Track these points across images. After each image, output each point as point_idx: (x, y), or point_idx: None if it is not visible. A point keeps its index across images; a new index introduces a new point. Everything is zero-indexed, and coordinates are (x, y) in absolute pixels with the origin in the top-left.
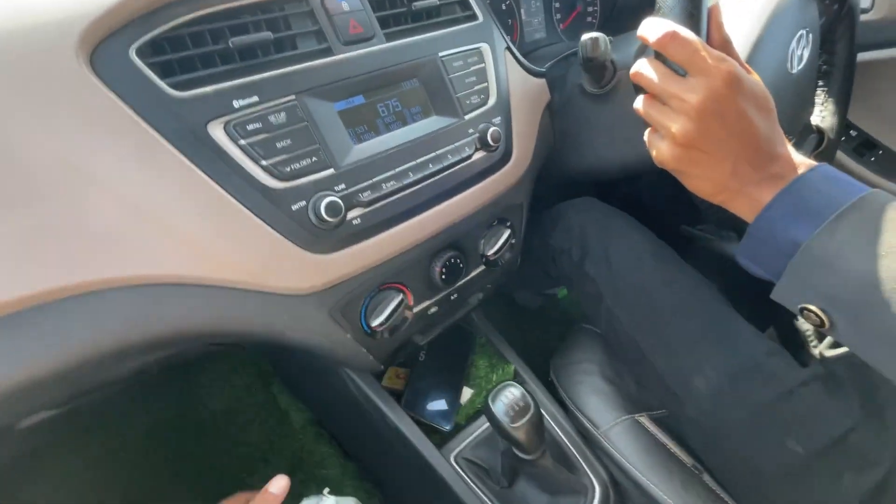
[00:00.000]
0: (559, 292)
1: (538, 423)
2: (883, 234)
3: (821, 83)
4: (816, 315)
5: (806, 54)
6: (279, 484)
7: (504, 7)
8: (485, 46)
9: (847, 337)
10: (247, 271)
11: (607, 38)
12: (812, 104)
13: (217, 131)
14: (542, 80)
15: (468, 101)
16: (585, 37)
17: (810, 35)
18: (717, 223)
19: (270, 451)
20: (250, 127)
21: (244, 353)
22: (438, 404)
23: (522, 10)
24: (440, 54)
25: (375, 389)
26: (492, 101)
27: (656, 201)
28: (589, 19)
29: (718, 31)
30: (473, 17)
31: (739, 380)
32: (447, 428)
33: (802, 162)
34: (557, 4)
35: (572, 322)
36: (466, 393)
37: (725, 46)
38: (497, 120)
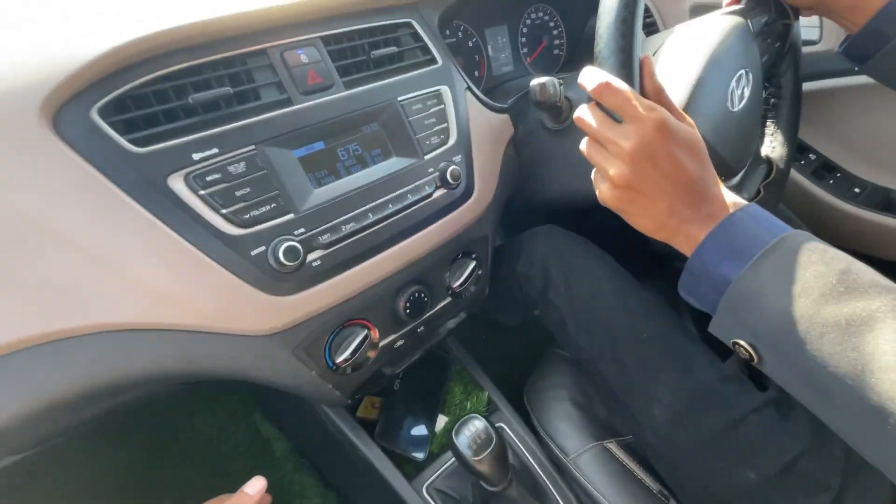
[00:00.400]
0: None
1: (501, 456)
2: (798, 272)
3: (770, 115)
4: (746, 350)
5: (747, 92)
6: (256, 485)
7: (471, 44)
8: (444, 88)
9: (774, 371)
10: (208, 315)
11: (556, 81)
12: (758, 137)
13: (177, 183)
14: (506, 116)
15: (428, 142)
16: (534, 82)
17: (750, 74)
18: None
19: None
20: (210, 178)
21: (227, 384)
22: (412, 433)
23: (489, 46)
24: (399, 99)
25: (347, 421)
26: (452, 140)
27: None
28: (556, 52)
29: (651, 81)
30: (433, 61)
31: (694, 407)
32: (421, 457)
33: (734, 202)
34: (524, 39)
35: (552, 340)
36: (441, 421)
37: (658, 94)
38: (457, 158)
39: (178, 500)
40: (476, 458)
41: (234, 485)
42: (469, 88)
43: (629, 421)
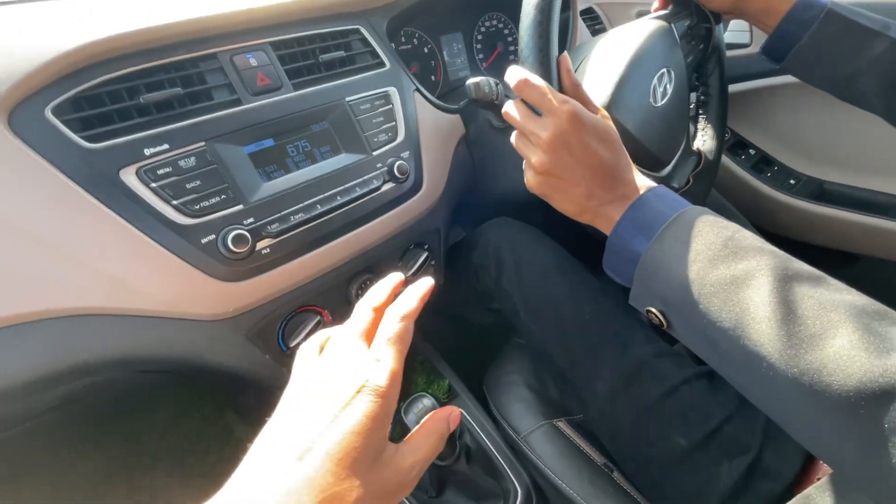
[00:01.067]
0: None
1: None
2: (691, 242)
3: (700, 112)
4: (657, 316)
5: (669, 89)
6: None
7: (426, 50)
8: (392, 90)
9: (680, 333)
10: (161, 300)
11: (492, 81)
12: (685, 131)
13: (129, 176)
14: (457, 116)
15: (376, 139)
16: (469, 81)
17: (672, 73)
18: None
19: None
20: (160, 171)
21: (199, 386)
22: None
23: (445, 52)
24: (347, 99)
25: None
26: (400, 137)
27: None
28: (511, 57)
29: (568, 77)
30: (381, 64)
31: (631, 381)
32: None
33: (644, 185)
34: (479, 45)
35: (515, 331)
36: None
37: (575, 90)
38: (405, 154)
39: (151, 502)
40: None
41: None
42: (418, 90)
43: (576, 399)
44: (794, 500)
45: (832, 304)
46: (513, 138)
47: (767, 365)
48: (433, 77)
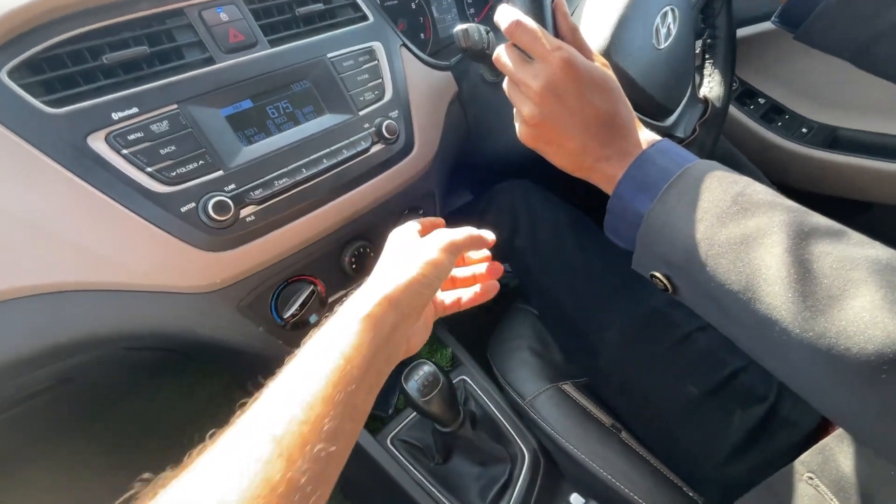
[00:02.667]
0: (510, 282)
1: (449, 396)
2: (699, 200)
3: (707, 56)
4: (662, 281)
5: (673, 30)
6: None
7: (414, 6)
8: (377, 45)
9: (687, 299)
10: (143, 273)
11: (482, 28)
12: (691, 76)
13: (98, 143)
14: (448, 73)
15: (362, 98)
16: (457, 28)
17: (676, 11)
18: None
19: None
20: (131, 137)
21: (207, 367)
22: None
23: (434, 7)
24: (329, 55)
25: None
26: (388, 95)
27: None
28: None
29: (564, 20)
30: (364, 17)
31: (642, 328)
32: (387, 413)
33: (647, 139)
34: (470, 0)
35: (517, 297)
36: None
37: (572, 34)
38: (394, 113)
39: None
40: (424, 399)
41: None
42: (405, 45)
43: (585, 354)
44: (810, 450)
45: (853, 261)
46: (505, 85)
47: (780, 329)
48: (422, 35)
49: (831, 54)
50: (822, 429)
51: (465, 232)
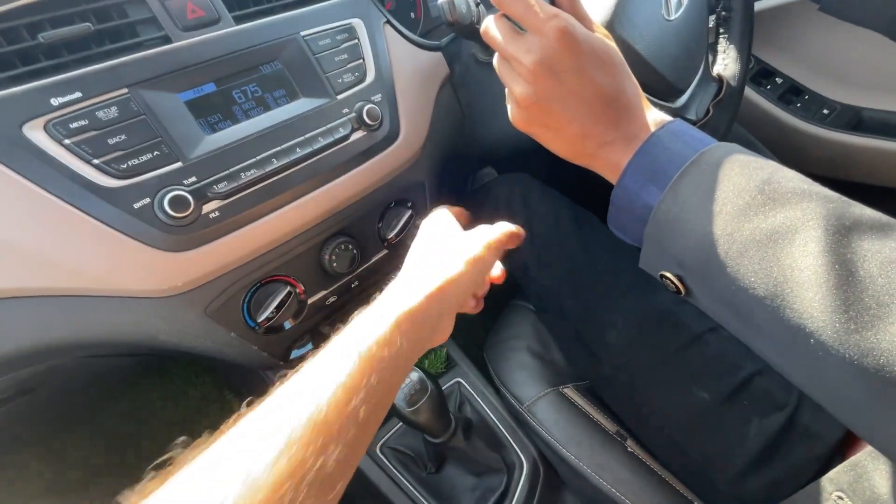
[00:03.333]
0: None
1: (439, 404)
2: (717, 190)
3: (721, 30)
4: (672, 282)
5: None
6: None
7: None
8: (357, 22)
9: (702, 303)
10: (93, 277)
11: (471, 0)
12: (704, 51)
13: (35, 132)
14: (438, 54)
15: (340, 80)
16: (442, 0)
17: None
18: None
19: None
20: (74, 125)
21: (198, 365)
22: None
23: None
24: (303, 34)
25: None
26: (370, 78)
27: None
28: None
29: None
30: None
31: (647, 329)
32: None
33: (655, 120)
34: None
35: (515, 294)
36: None
37: (572, 4)
38: (377, 98)
39: None
40: (411, 409)
41: None
42: (389, 22)
43: (587, 357)
44: (839, 466)
45: None
46: (495, 62)
47: (817, 342)
48: (412, 14)
49: (861, 25)
50: (848, 441)
51: (505, 228)
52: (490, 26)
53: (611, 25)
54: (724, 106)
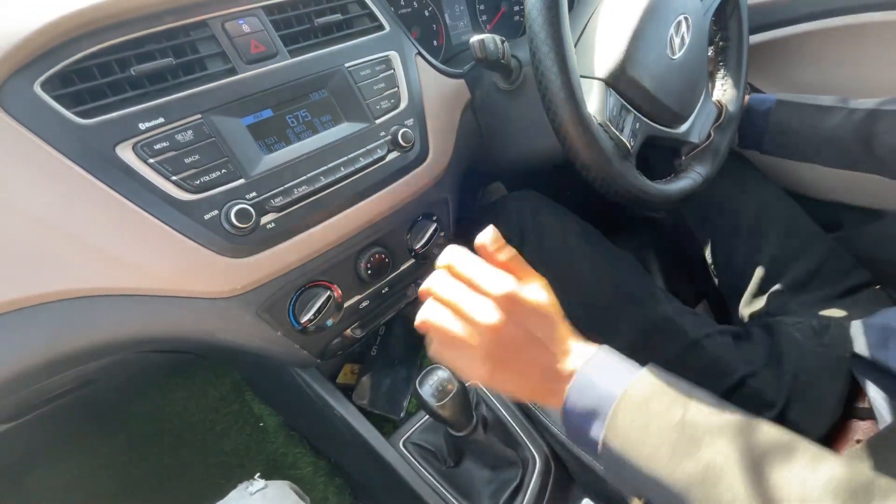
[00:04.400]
0: None
1: (463, 401)
2: (646, 432)
3: (720, 60)
4: None
5: (687, 39)
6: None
7: (427, 13)
8: (393, 54)
9: None
10: (166, 279)
11: (497, 38)
12: (705, 82)
13: (126, 152)
14: (461, 81)
15: (378, 107)
16: (473, 39)
17: (690, 20)
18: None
19: (247, 456)
20: (157, 146)
21: (218, 367)
22: (389, 395)
23: (447, 15)
24: (347, 65)
25: (324, 385)
26: (403, 104)
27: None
28: (516, 18)
29: (496, 244)
30: (380, 27)
31: (651, 336)
32: (399, 416)
33: (583, 356)
34: (482, 7)
35: None
36: None
37: (510, 261)
38: (410, 122)
39: (175, 481)
40: (439, 405)
41: (230, 462)
42: (420, 54)
43: None
44: None
45: (813, 486)
46: (435, 317)
47: None
48: (435, 42)
49: (798, 160)
50: (830, 437)
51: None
52: (432, 283)
53: (622, 68)
54: (724, 129)
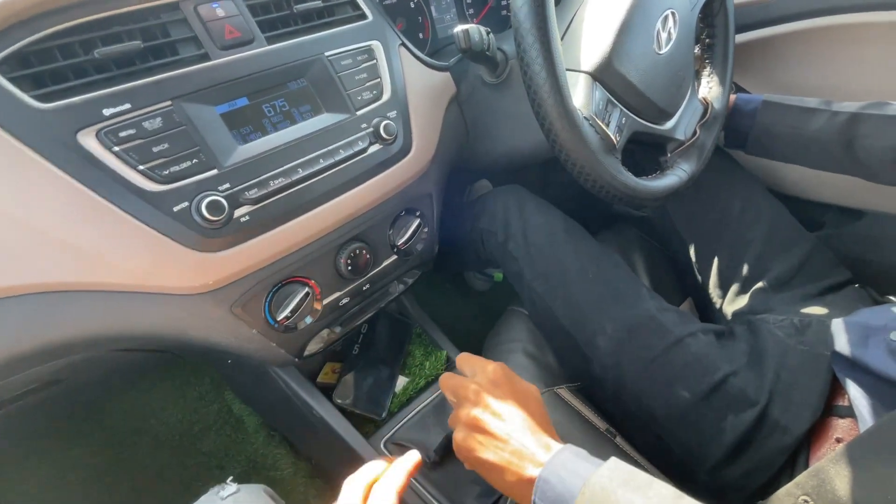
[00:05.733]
0: (495, 276)
1: None
2: None
3: (706, 57)
4: None
5: (674, 34)
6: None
7: (413, 5)
8: (376, 44)
9: None
10: (133, 274)
11: (482, 29)
12: (691, 79)
13: (88, 140)
14: (447, 74)
15: (359, 98)
16: (457, 29)
17: (677, 15)
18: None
19: (226, 457)
20: (123, 133)
21: (197, 365)
22: (371, 394)
23: (433, 7)
24: (327, 54)
25: (301, 383)
26: (386, 95)
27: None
28: (503, 12)
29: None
30: (363, 16)
31: (635, 333)
32: (381, 416)
33: (549, 451)
34: (469, 0)
35: (514, 299)
36: (401, 382)
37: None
38: (392, 114)
39: (151, 483)
40: None
41: (208, 463)
42: (404, 45)
43: (578, 359)
44: (805, 472)
45: None
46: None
47: None
48: (421, 34)
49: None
50: (812, 433)
51: (402, 475)
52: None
53: (609, 61)
54: (709, 127)
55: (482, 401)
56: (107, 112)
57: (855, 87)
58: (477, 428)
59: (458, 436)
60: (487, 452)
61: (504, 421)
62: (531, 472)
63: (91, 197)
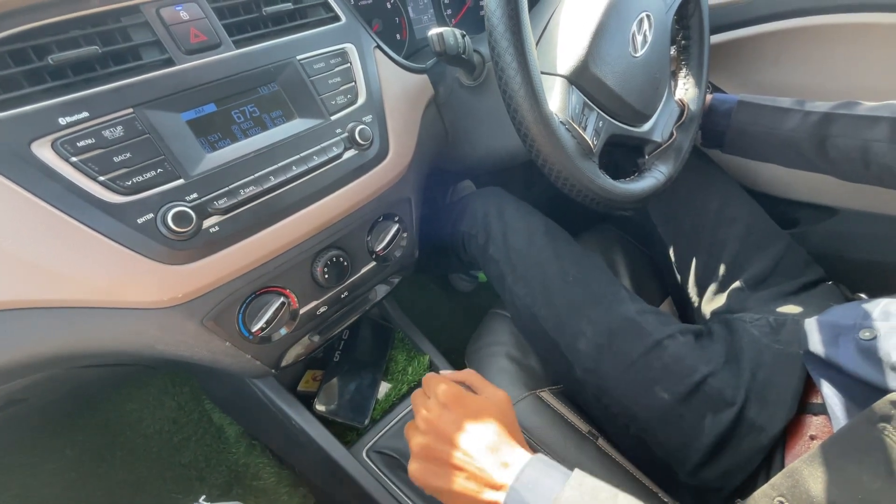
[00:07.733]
0: (479, 276)
1: None
2: None
3: (682, 59)
4: None
5: (649, 37)
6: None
7: (389, 6)
8: (350, 47)
9: None
10: (97, 289)
11: (458, 32)
12: (668, 81)
13: (43, 150)
14: (424, 76)
15: (333, 102)
16: (432, 32)
17: (652, 18)
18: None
19: (206, 468)
20: (81, 143)
21: (175, 374)
22: (353, 402)
23: (410, 8)
24: (299, 57)
25: (279, 393)
26: (361, 99)
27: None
28: (482, 13)
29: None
30: (336, 18)
31: (614, 337)
32: (363, 424)
33: (521, 467)
34: (447, 0)
35: (496, 302)
36: (383, 388)
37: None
38: (368, 118)
39: (129, 498)
40: None
41: (188, 474)
42: (379, 47)
43: (560, 363)
44: (780, 473)
45: None
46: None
47: None
48: (398, 36)
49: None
50: (791, 433)
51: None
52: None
53: (584, 64)
54: (686, 128)
55: (432, 428)
56: (63, 121)
57: (828, 87)
58: (429, 458)
59: (412, 467)
60: (442, 481)
61: (455, 447)
62: (489, 495)
63: (48, 210)
